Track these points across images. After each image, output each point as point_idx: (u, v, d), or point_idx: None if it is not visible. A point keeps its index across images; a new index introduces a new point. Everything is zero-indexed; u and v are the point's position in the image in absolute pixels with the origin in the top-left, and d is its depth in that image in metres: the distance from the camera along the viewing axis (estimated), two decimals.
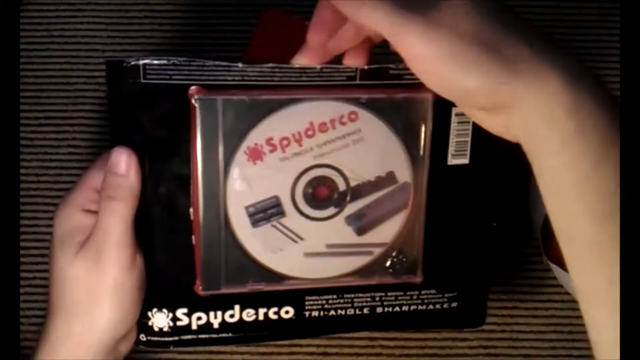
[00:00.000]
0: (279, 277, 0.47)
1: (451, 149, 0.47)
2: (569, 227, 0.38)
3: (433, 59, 0.37)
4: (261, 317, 0.48)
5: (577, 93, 0.37)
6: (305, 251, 0.46)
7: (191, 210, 0.45)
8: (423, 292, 0.49)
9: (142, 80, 0.42)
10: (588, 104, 0.37)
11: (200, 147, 0.44)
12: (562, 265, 0.58)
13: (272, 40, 0.63)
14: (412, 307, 0.49)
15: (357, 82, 0.44)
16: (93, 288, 0.43)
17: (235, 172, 0.44)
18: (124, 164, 0.43)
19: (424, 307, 0.49)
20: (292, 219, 0.45)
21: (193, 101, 0.43)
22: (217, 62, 0.42)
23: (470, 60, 0.37)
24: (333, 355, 0.58)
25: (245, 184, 0.44)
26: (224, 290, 0.47)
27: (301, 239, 0.46)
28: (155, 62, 0.42)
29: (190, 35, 0.64)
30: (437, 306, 0.50)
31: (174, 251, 0.46)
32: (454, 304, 0.50)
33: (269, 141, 0.44)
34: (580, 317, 0.57)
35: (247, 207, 0.45)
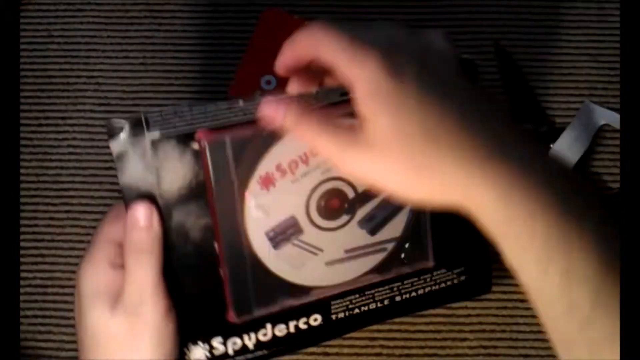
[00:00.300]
0: (306, 290, 0.48)
1: None
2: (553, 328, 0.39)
3: (371, 180, 0.39)
4: (292, 330, 0.49)
5: (510, 206, 0.37)
6: (326, 260, 0.47)
7: (215, 244, 0.45)
8: (435, 273, 0.51)
9: (147, 132, 0.42)
10: (524, 216, 0.37)
11: (215, 186, 0.44)
12: None
13: (272, 40, 0.63)
14: (427, 289, 0.51)
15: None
16: (135, 341, 0.43)
17: (251, 202, 0.45)
18: (143, 217, 0.43)
19: (437, 286, 0.51)
20: (309, 234, 0.46)
21: (202, 145, 0.43)
22: (218, 104, 0.42)
23: (407, 183, 0.38)
24: (333, 355, 0.58)
25: (262, 211, 0.45)
26: (256, 314, 0.48)
27: (320, 250, 0.47)
28: (156, 113, 0.41)
29: (190, 36, 0.64)
30: (448, 283, 0.51)
31: (203, 285, 0.46)
32: (463, 278, 0.52)
33: (278, 167, 0.44)
34: None
35: (267, 232, 0.46)
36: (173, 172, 0.43)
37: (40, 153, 0.61)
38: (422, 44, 0.39)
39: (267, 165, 0.44)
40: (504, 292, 0.58)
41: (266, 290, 0.47)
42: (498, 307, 0.58)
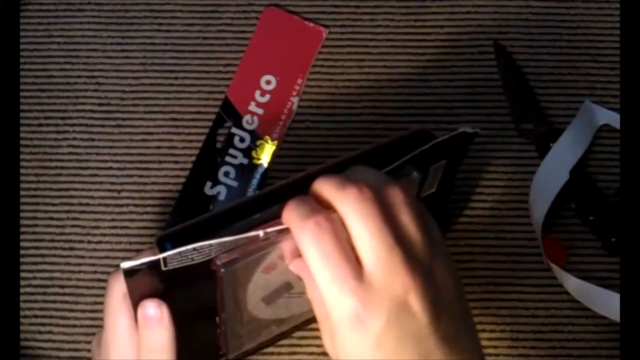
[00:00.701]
0: (289, 318, 0.50)
1: (425, 188, 0.50)
2: None
3: None
4: (269, 336, 0.51)
5: None
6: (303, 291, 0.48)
7: (217, 318, 0.47)
8: None
9: (163, 269, 0.41)
10: None
11: (227, 301, 0.44)
12: (561, 265, 0.58)
13: (272, 40, 0.64)
14: None
15: None
16: None
17: (252, 285, 0.45)
18: (154, 316, 0.43)
19: None
20: (298, 286, 0.46)
21: (219, 272, 0.42)
22: (238, 237, 0.41)
23: None
24: None
25: (261, 289, 0.45)
26: (245, 348, 0.50)
27: (303, 293, 0.48)
28: (175, 253, 0.40)
29: (190, 36, 0.64)
30: None
31: (200, 339, 0.48)
32: None
33: (281, 256, 0.44)
34: (580, 317, 0.57)
35: (263, 298, 0.46)
36: (186, 295, 0.44)
37: (40, 153, 0.61)
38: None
39: (271, 258, 0.44)
40: (504, 292, 0.58)
41: (256, 331, 0.49)
42: (498, 307, 0.58)
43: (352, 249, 0.38)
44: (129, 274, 0.40)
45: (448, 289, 0.39)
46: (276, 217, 0.41)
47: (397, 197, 0.39)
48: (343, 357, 0.38)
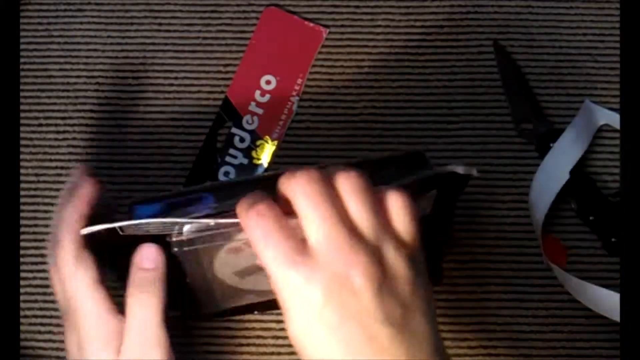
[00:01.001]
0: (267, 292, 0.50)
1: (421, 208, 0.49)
2: None
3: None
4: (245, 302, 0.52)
5: None
6: None
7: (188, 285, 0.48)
8: None
9: (120, 233, 0.43)
10: None
11: (189, 269, 0.46)
12: (561, 265, 0.58)
13: (272, 40, 0.64)
14: None
15: None
16: None
17: (220, 263, 0.46)
18: (153, 257, 0.44)
19: None
20: None
21: (172, 248, 0.44)
22: (189, 220, 0.42)
23: None
24: None
25: (232, 266, 0.46)
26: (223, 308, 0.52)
27: None
28: (129, 223, 0.42)
29: (190, 36, 0.64)
30: None
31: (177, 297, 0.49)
32: None
33: (246, 243, 0.44)
34: (580, 317, 0.57)
35: (235, 273, 0.47)
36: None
37: (40, 153, 0.61)
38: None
39: (236, 242, 0.44)
40: (504, 292, 0.58)
41: (234, 297, 0.50)
42: (498, 307, 0.58)
43: (301, 235, 0.39)
44: (88, 236, 0.43)
45: (400, 276, 0.39)
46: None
47: (348, 180, 0.39)
48: (295, 340, 0.39)
